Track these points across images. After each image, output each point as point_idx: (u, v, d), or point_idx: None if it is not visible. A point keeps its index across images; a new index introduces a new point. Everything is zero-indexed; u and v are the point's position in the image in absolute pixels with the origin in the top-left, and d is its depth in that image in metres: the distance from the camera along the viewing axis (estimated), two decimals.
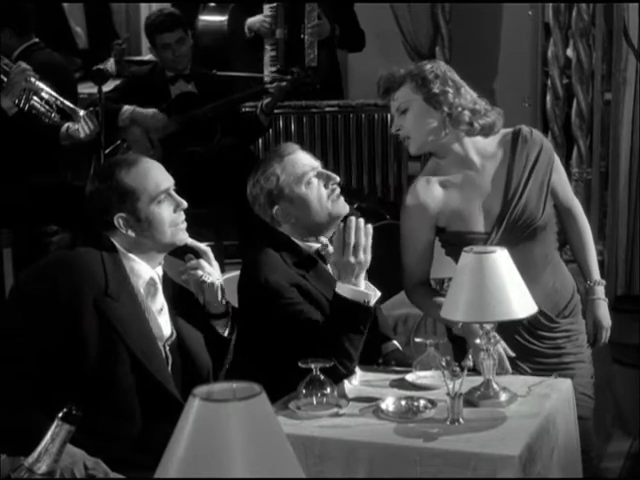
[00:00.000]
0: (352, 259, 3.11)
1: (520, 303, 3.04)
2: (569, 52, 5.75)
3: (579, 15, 5.47)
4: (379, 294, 3.21)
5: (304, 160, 3.39)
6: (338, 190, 3.40)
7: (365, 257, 3.13)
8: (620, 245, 5.46)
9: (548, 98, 5.67)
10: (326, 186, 3.38)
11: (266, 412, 1.73)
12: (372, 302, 3.14)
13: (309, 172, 3.37)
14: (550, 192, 3.45)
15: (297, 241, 3.37)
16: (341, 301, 3.12)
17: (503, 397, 3.06)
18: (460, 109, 3.31)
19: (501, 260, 3.03)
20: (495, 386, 3.08)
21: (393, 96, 3.37)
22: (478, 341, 3.08)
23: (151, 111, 5.60)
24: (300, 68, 5.83)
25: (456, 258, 3.18)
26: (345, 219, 3.26)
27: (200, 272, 3.07)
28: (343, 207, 3.40)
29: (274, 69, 6.24)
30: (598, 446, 4.32)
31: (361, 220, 3.16)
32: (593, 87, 5.52)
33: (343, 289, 3.12)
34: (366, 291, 3.13)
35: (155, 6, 7.41)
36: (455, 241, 3.38)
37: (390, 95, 3.38)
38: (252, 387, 1.75)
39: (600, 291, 3.59)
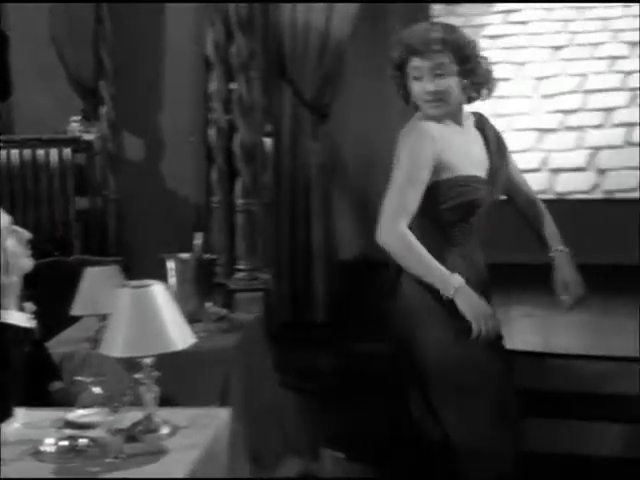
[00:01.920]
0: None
1: (178, 335, 3.06)
2: (233, 86, 5.87)
3: (238, 49, 5.59)
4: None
5: None
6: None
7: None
8: (284, 273, 5.63)
9: (212, 131, 5.75)
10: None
11: None
12: None
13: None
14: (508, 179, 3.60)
15: None
16: None
17: (164, 430, 3.06)
18: (483, 81, 3.46)
19: (157, 293, 3.04)
20: (156, 419, 3.07)
21: (430, 55, 3.39)
22: (138, 375, 3.07)
23: None
24: None
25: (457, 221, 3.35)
26: None
27: None
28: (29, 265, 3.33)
29: None
30: (269, 470, 4.42)
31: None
32: (254, 120, 5.65)
33: None
34: None
35: None
36: (461, 192, 3.38)
37: (426, 55, 3.39)
38: None
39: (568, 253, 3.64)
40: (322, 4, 5.47)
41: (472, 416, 3.43)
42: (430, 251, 3.34)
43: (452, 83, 3.42)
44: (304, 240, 5.68)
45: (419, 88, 3.45)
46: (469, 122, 3.57)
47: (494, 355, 3.48)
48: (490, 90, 3.52)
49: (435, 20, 7.41)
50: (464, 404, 3.42)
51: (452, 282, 3.31)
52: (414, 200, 3.35)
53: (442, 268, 3.32)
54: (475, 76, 3.45)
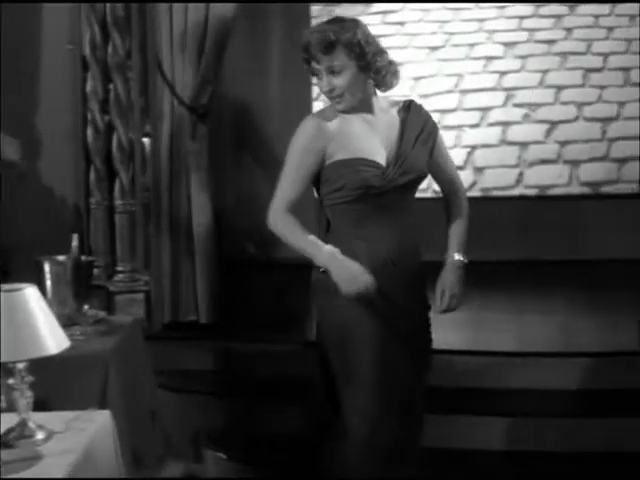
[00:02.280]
0: None
1: (52, 339, 3.03)
2: (111, 86, 5.81)
3: (115, 49, 5.54)
4: None
5: None
6: None
7: None
8: (165, 274, 5.59)
9: (89, 132, 5.69)
10: None
11: None
12: None
13: None
14: (435, 165, 3.66)
15: None
16: None
17: (39, 435, 3.03)
18: (384, 72, 3.54)
19: (30, 297, 3.01)
20: (31, 425, 3.04)
21: (321, 56, 3.48)
22: (11, 381, 3.03)
23: None
24: None
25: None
26: None
27: None
28: None
29: None
30: (151, 471, 4.40)
31: None
32: (133, 120, 5.61)
33: None
34: None
35: None
36: (344, 173, 3.49)
37: (318, 56, 3.48)
38: None
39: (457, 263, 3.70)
40: (199, 4, 5.45)
41: (373, 411, 3.46)
42: (333, 233, 3.55)
43: (350, 79, 3.51)
44: (185, 241, 5.65)
45: (320, 86, 3.58)
46: (392, 110, 3.65)
47: (398, 348, 3.54)
48: (396, 79, 3.61)
49: (328, 18, 7.46)
50: (365, 397, 3.46)
51: (323, 252, 3.46)
52: (291, 188, 3.57)
53: (317, 242, 3.50)
54: (375, 69, 3.54)
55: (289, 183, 3.57)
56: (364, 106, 3.58)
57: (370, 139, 3.58)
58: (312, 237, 3.50)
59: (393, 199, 3.55)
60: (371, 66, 3.53)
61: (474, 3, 7.75)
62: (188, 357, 5.40)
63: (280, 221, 3.57)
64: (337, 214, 3.56)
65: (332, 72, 3.50)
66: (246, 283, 6.86)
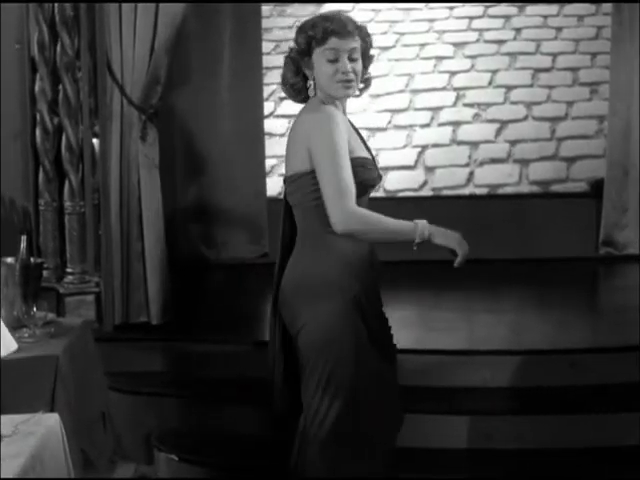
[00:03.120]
0: None
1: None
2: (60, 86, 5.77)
3: (63, 50, 5.50)
4: None
5: None
6: None
7: None
8: (115, 276, 5.56)
9: (38, 133, 5.65)
10: None
11: None
12: None
13: None
14: None
15: None
16: None
17: None
18: (368, 75, 3.63)
19: None
20: None
21: (344, 39, 3.50)
22: None
23: None
24: None
25: None
26: None
27: None
28: None
29: None
30: (102, 474, 4.38)
31: None
32: (82, 121, 5.58)
33: None
34: None
35: None
36: (358, 172, 3.44)
37: (341, 36, 3.50)
38: None
39: None
40: (149, 4, 5.42)
41: (347, 408, 3.46)
42: (313, 234, 3.48)
43: (361, 69, 3.56)
44: (136, 242, 5.63)
45: (332, 69, 3.51)
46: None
47: (378, 353, 3.56)
48: (368, 85, 3.67)
49: (279, 18, 7.49)
50: (343, 396, 3.45)
51: (420, 225, 3.41)
52: (351, 178, 3.39)
53: (401, 221, 3.42)
54: (367, 67, 3.61)
55: (347, 172, 3.39)
56: (343, 102, 3.62)
57: (356, 136, 3.63)
58: (393, 220, 3.42)
59: (367, 199, 3.57)
60: (369, 63, 3.62)
61: (424, 3, 7.80)
62: (139, 358, 5.38)
63: (354, 220, 3.36)
64: (323, 210, 3.42)
65: (350, 57, 3.52)
66: (197, 284, 6.85)
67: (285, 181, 3.67)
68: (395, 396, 3.68)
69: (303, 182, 3.51)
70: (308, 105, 3.60)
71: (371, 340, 3.53)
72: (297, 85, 3.63)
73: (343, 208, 3.34)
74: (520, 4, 7.76)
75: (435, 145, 7.68)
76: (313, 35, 3.54)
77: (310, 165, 3.47)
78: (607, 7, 7.49)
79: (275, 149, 7.48)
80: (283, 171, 8.10)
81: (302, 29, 3.59)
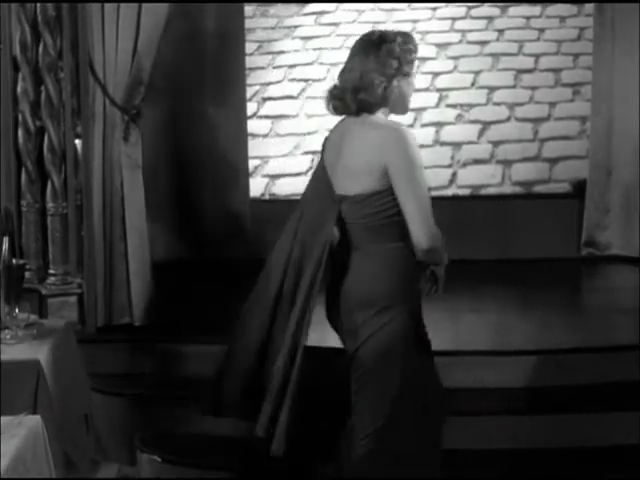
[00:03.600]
0: None
1: None
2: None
3: (46, 50, 5.49)
4: None
5: None
6: None
7: None
8: (98, 277, 5.55)
9: (20, 133, 5.63)
10: None
11: None
12: None
13: None
14: None
15: None
16: None
17: None
18: None
19: None
20: None
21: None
22: None
23: None
24: None
25: None
26: None
27: None
28: None
29: None
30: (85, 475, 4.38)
31: None
32: (64, 122, 5.56)
33: None
34: None
35: None
36: None
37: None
38: None
39: None
40: (132, 3, 5.41)
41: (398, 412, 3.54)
42: (385, 249, 3.55)
43: None
44: (118, 243, 5.62)
45: (409, 85, 3.62)
46: None
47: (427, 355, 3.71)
48: None
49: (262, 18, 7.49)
50: (398, 396, 3.54)
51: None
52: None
53: None
54: None
55: (427, 195, 3.50)
56: None
57: None
58: None
59: None
60: None
61: (407, 4, 7.81)
62: (122, 360, 5.38)
63: (439, 233, 3.52)
64: (388, 227, 3.53)
65: None
66: (181, 284, 6.84)
67: (342, 200, 3.61)
68: (441, 394, 3.73)
69: (371, 201, 3.52)
70: (366, 119, 3.58)
71: (423, 344, 3.66)
72: (383, 99, 3.60)
73: (430, 226, 3.46)
74: (503, 4, 7.77)
75: (418, 146, 7.68)
76: (415, 57, 3.60)
77: (383, 183, 3.48)
78: (589, 8, 7.51)
79: (258, 149, 7.48)
80: (267, 171, 8.14)
81: (408, 50, 3.60)
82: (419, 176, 3.48)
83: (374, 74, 3.55)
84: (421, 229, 3.43)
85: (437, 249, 3.51)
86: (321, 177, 3.70)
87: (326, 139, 3.79)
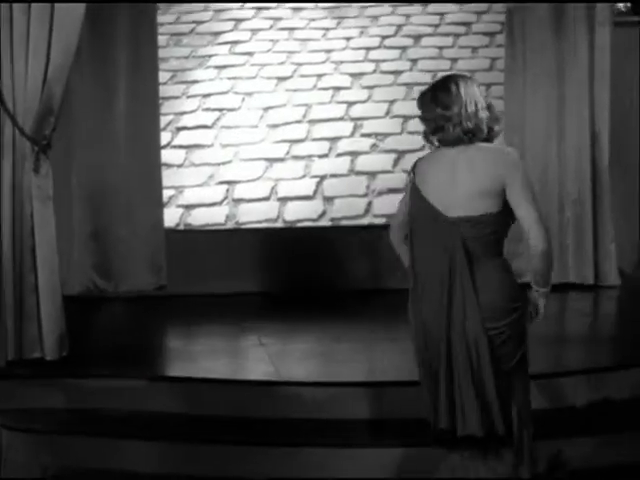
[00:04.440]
0: None
1: None
2: None
3: None
4: None
5: None
6: None
7: None
8: (8, 309, 5.43)
9: None
10: None
11: None
12: None
13: None
14: None
15: None
16: None
17: None
18: None
19: None
20: None
21: None
22: None
23: None
24: None
25: None
26: None
27: None
28: None
29: None
30: None
31: None
32: None
33: None
34: None
35: None
36: None
37: None
38: None
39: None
40: (41, 34, 5.32)
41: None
42: (498, 258, 4.02)
43: None
44: (29, 275, 5.50)
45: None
46: None
47: None
48: None
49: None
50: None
51: None
52: None
53: None
54: None
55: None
56: None
57: None
58: None
59: None
60: None
61: (321, 33, 7.84)
62: (33, 395, 5.24)
63: (550, 242, 3.95)
64: (499, 242, 3.99)
65: None
66: (94, 317, 6.73)
67: (467, 221, 3.93)
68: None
69: (491, 220, 3.92)
70: (474, 147, 4.02)
71: None
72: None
73: (546, 232, 3.90)
74: (416, 36, 7.86)
75: (333, 175, 7.70)
76: None
77: (500, 205, 3.89)
78: (500, 39, 7.63)
79: (173, 179, 7.41)
80: (181, 202, 8.06)
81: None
82: (533, 190, 3.92)
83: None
84: (539, 230, 3.87)
85: (551, 252, 3.93)
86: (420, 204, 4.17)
87: (418, 167, 4.44)
